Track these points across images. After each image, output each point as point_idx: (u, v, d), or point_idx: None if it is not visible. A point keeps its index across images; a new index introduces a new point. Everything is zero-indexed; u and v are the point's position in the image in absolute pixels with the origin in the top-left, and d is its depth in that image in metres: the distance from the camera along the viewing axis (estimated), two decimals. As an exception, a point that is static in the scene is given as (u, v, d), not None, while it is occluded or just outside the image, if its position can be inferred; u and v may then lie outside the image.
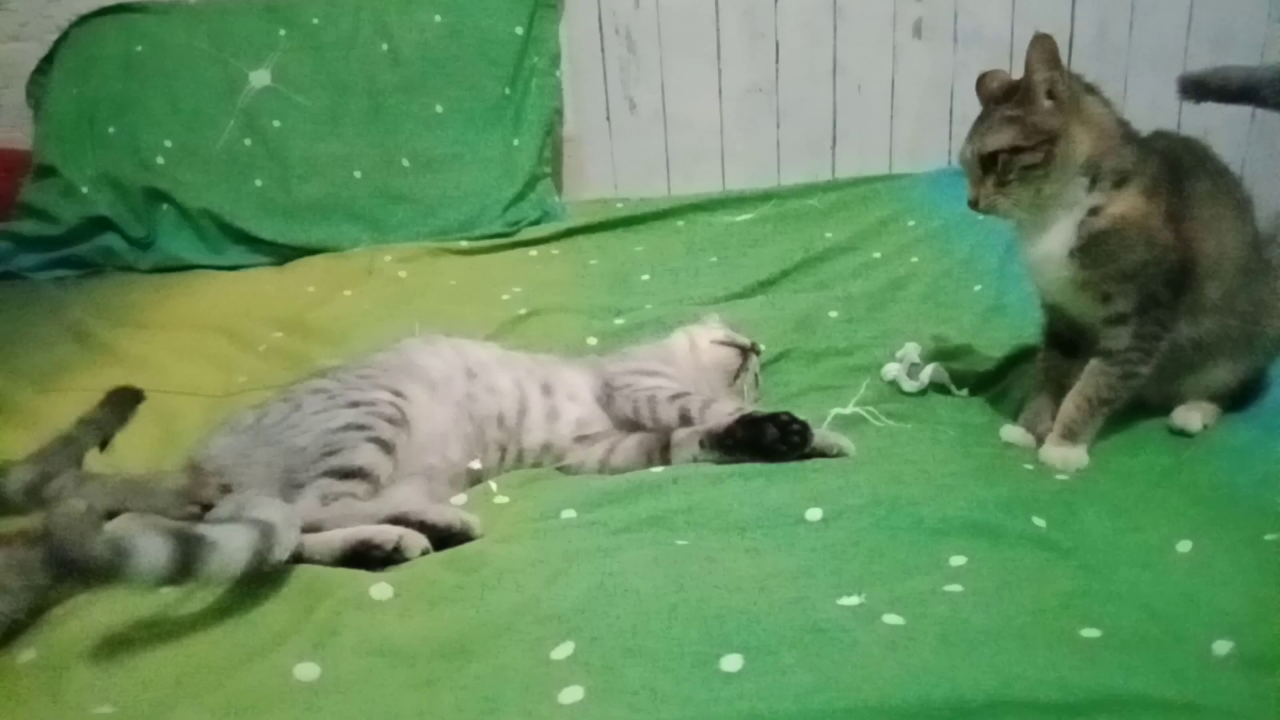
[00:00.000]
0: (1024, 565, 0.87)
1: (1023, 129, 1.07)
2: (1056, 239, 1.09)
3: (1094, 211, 1.07)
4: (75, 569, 0.79)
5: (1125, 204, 1.06)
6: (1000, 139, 1.08)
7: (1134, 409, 1.14)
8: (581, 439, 1.17)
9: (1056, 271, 1.10)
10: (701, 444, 1.10)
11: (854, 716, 0.67)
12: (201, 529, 0.85)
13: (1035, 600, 0.81)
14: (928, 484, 1.01)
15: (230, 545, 0.84)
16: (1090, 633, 0.76)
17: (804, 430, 1.07)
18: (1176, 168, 1.11)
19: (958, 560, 0.88)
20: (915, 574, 0.86)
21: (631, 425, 1.17)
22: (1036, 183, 1.07)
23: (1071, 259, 1.08)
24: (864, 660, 0.72)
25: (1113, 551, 0.91)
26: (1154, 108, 2.19)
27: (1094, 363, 1.11)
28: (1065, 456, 1.09)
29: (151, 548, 0.80)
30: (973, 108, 2.26)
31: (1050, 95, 1.07)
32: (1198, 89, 1.61)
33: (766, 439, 1.06)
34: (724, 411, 1.11)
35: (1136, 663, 0.72)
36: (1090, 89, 1.12)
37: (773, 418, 1.08)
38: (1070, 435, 1.10)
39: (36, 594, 0.87)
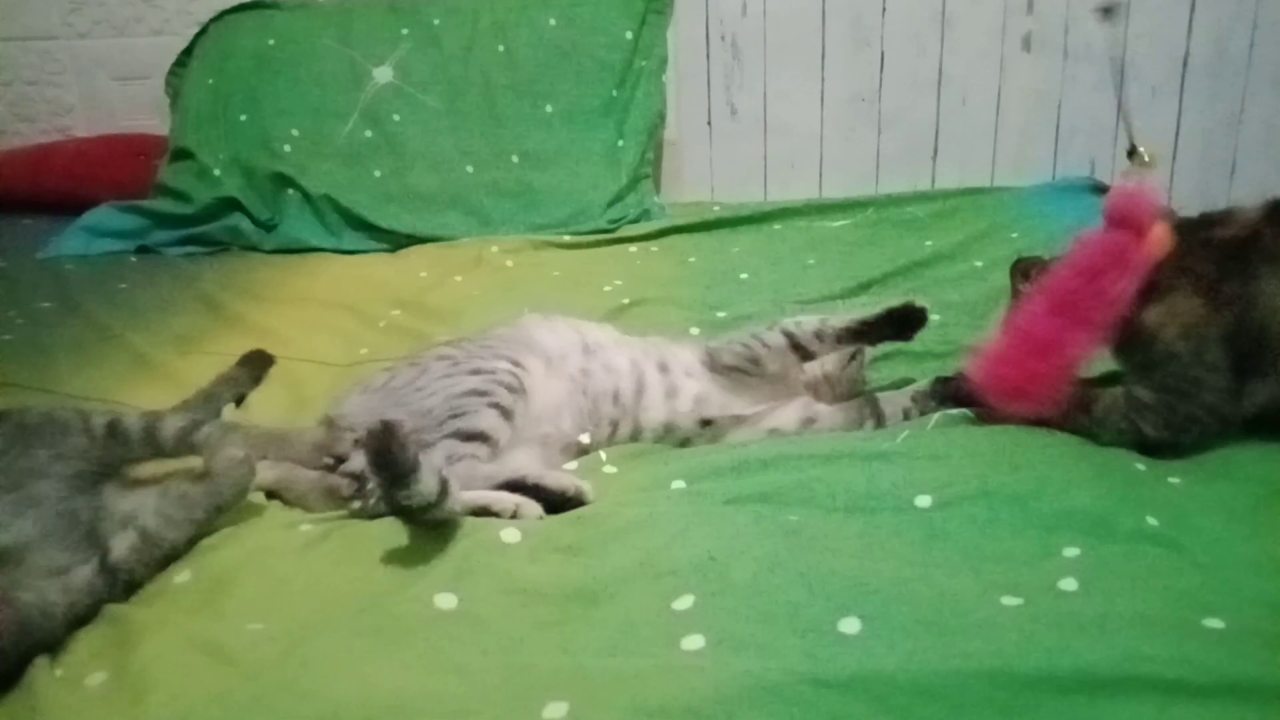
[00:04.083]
0: (1139, 560, 0.87)
1: None
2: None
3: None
4: (388, 460, 0.88)
5: (1132, 315, 1.08)
6: None
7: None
8: (776, 405, 1.22)
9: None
10: (914, 399, 1.20)
11: (976, 681, 0.68)
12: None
13: (1154, 592, 0.81)
14: (1037, 478, 1.01)
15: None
16: (1213, 623, 0.76)
17: None
18: (1242, 250, 1.09)
19: (1071, 551, 0.88)
20: (1029, 562, 0.87)
21: (743, 376, 1.22)
22: None
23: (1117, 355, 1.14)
24: (984, 632, 0.74)
25: (1229, 554, 0.90)
26: (1271, 126, 2.16)
27: (1120, 392, 1.10)
28: None
29: (432, 474, 0.90)
30: (1081, 121, 2.25)
31: None
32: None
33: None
34: (816, 319, 1.21)
35: (1265, 653, 0.71)
36: None
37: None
38: None
39: (195, 525, 0.95)
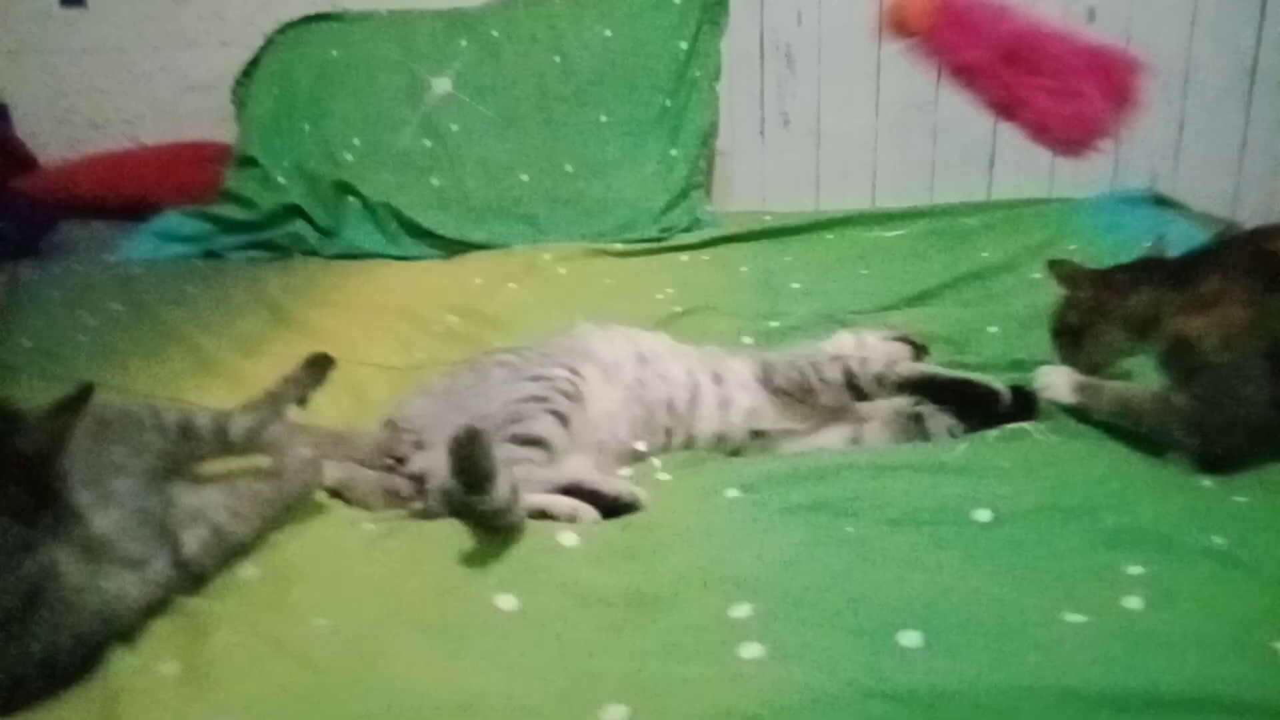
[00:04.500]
0: (1205, 578, 0.85)
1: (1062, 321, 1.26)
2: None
3: (1154, 343, 1.16)
4: (471, 466, 0.90)
5: (1172, 328, 1.12)
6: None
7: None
8: (826, 421, 1.21)
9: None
10: (959, 418, 1.18)
11: (1040, 699, 0.67)
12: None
13: (1221, 611, 0.79)
14: (1099, 494, 0.99)
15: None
16: (1284, 644, 0.74)
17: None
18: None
19: (1135, 569, 0.87)
20: (1092, 579, 0.85)
21: (794, 400, 1.21)
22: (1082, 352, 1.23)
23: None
24: (1047, 648, 0.73)
25: (1298, 574, 0.88)
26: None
27: (1161, 397, 1.11)
28: (1056, 383, 1.18)
29: (507, 482, 0.92)
30: (1142, 132, 2.20)
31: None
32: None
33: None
34: (880, 362, 1.18)
35: (1340, 676, 0.70)
36: (1130, 276, 1.20)
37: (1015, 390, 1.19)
38: (1082, 391, 1.16)
39: (264, 522, 0.97)
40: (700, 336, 1.52)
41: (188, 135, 2.49)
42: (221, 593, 0.91)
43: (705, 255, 2.01)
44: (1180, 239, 1.31)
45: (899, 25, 1.14)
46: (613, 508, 1.03)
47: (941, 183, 2.27)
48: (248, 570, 0.93)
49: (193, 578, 0.92)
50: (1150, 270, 1.20)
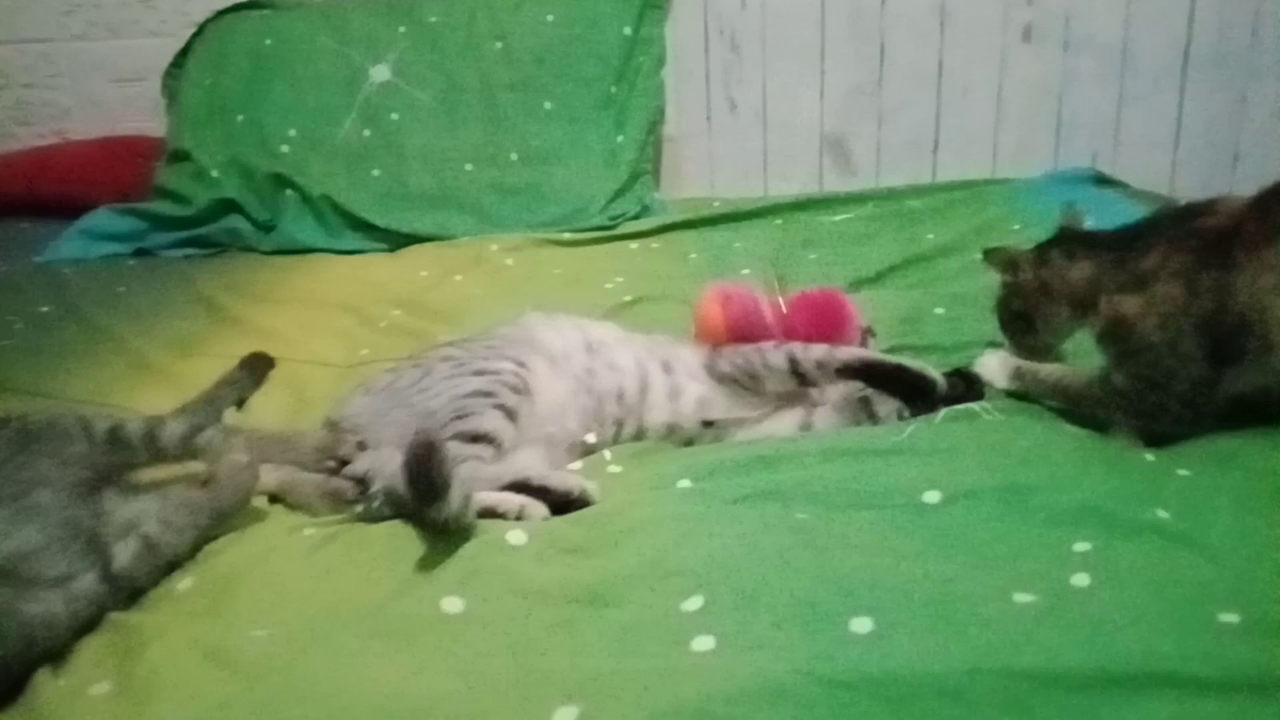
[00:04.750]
0: (1151, 553, 0.86)
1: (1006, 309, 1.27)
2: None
3: (1093, 322, 1.17)
4: (427, 478, 0.88)
5: (1110, 308, 1.13)
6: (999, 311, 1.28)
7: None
8: (777, 407, 1.21)
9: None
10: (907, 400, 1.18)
11: (991, 679, 0.67)
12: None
13: (1167, 585, 0.80)
14: (1046, 472, 1.00)
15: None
16: (1229, 617, 0.75)
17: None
18: (1226, 239, 1.09)
19: (1082, 546, 0.87)
20: (1040, 557, 0.86)
21: (742, 388, 1.21)
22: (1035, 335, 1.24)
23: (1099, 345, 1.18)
24: (997, 629, 0.73)
25: (1243, 546, 0.89)
26: (1274, 115, 2.15)
27: (1098, 376, 1.13)
28: (992, 368, 1.22)
29: (460, 490, 0.90)
30: (1081, 112, 2.24)
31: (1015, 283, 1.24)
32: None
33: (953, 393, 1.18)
34: (823, 348, 1.19)
35: (1282, 647, 0.71)
36: (1066, 251, 1.21)
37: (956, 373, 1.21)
38: (1019, 376, 1.20)
39: (199, 531, 0.94)
40: (651, 325, 1.50)
41: (117, 130, 2.40)
42: (156, 606, 0.88)
43: (654, 243, 1.99)
44: (1120, 217, 1.32)
45: (707, 337, 1.29)
46: (563, 503, 1.01)
47: (887, 166, 2.29)
48: (183, 581, 0.90)
49: (125, 592, 0.89)
50: (1087, 245, 1.21)
